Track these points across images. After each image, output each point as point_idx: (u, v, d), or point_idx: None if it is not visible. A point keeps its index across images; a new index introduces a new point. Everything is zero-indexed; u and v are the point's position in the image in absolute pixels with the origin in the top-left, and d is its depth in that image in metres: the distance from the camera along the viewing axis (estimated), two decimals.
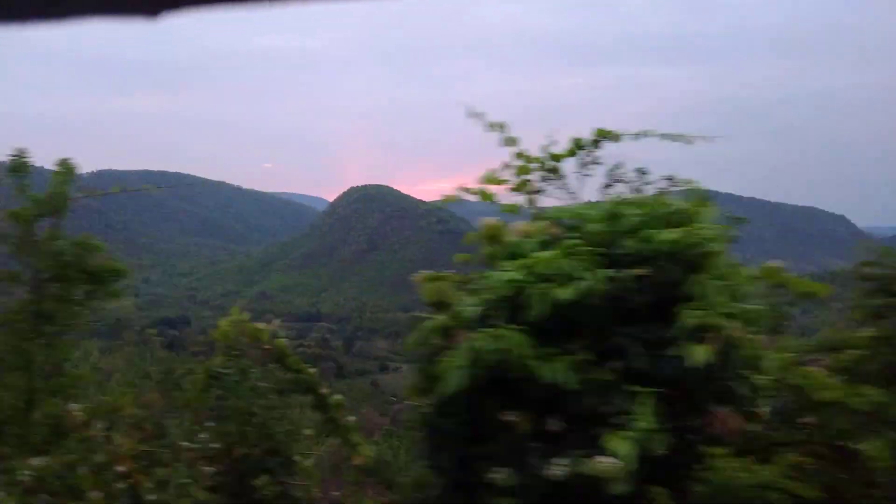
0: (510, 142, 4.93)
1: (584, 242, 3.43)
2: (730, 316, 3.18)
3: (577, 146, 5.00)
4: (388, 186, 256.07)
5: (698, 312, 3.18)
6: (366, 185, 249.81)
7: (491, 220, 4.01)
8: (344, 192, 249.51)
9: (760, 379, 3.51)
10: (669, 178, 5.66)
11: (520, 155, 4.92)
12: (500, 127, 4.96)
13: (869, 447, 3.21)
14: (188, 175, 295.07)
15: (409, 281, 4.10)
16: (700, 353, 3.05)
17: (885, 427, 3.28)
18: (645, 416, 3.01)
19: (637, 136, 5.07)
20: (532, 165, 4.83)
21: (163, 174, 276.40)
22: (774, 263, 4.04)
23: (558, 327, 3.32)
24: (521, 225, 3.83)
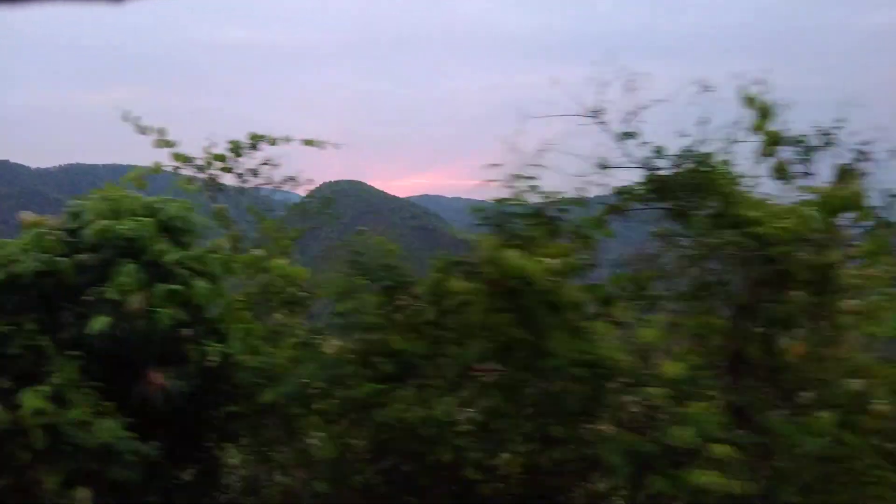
0: (164, 144, 5.72)
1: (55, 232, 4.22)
2: (132, 292, 3.99)
3: (235, 149, 5.78)
4: (360, 182, 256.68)
5: (103, 289, 4.03)
6: (338, 181, 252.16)
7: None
8: (315, 188, 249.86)
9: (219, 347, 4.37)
10: (292, 179, 6.50)
11: (177, 157, 5.71)
12: (158, 131, 5.73)
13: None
14: None
15: None
16: (97, 323, 3.91)
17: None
18: (62, 376, 3.86)
19: (275, 141, 5.86)
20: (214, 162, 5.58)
21: (133, 168, 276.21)
22: (258, 252, 4.90)
23: (12, 302, 4.12)
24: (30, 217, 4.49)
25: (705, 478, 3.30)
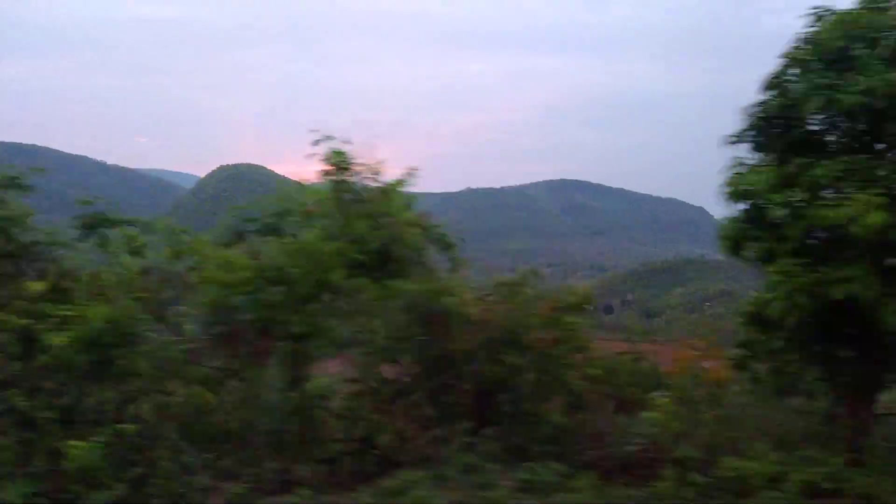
0: None
1: None
2: None
3: None
4: (261, 166, 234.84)
5: None
6: (237, 164, 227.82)
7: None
8: (213, 170, 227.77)
9: None
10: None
11: None
12: None
13: None
14: (47, 148, 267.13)
15: None
16: None
17: None
18: None
19: None
20: None
21: (18, 147, 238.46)
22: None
23: None
24: None
25: None
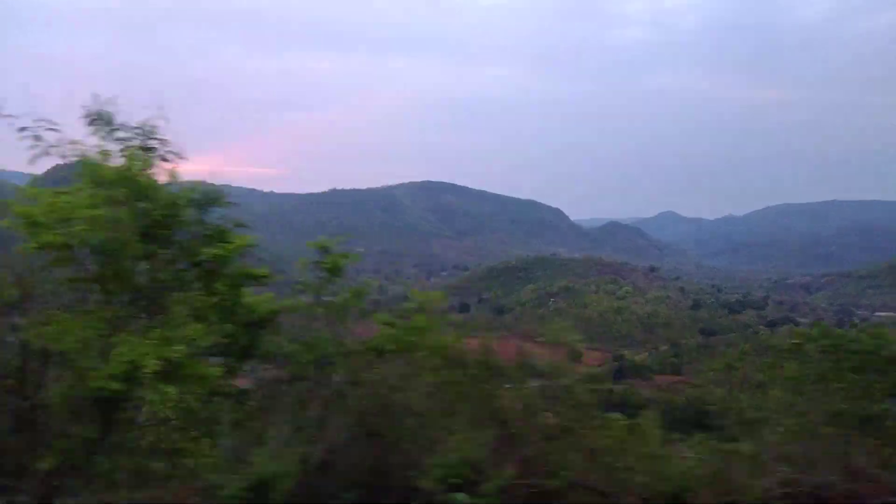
0: None
1: None
2: None
3: None
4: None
5: None
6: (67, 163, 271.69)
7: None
8: (49, 170, 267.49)
9: None
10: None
11: None
12: None
13: None
14: None
15: None
16: None
17: None
18: None
19: None
20: None
21: None
22: None
23: None
24: None
25: None
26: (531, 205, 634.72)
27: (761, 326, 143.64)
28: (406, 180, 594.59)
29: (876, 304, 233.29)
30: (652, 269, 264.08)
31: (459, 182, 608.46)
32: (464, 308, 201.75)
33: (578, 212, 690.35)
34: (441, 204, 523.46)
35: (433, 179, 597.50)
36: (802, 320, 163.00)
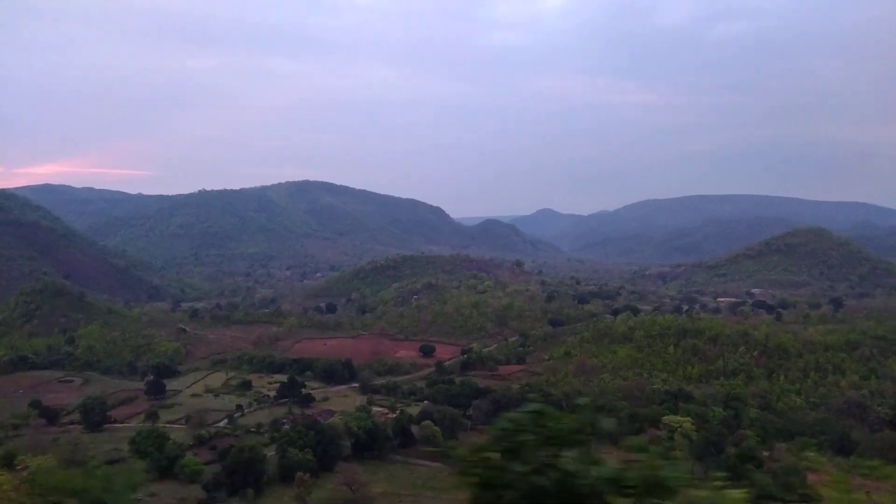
0: None
1: None
2: None
3: None
4: None
5: None
6: None
7: None
8: None
9: None
10: None
11: None
12: None
13: None
14: None
15: None
16: None
17: None
18: None
19: None
20: None
21: None
22: None
23: None
24: None
25: None
26: (412, 204, 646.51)
27: (606, 315, 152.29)
28: (283, 180, 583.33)
29: (719, 290, 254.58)
30: (517, 264, 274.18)
31: (340, 182, 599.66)
32: (331, 309, 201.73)
33: (459, 210, 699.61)
34: (319, 204, 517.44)
35: (311, 179, 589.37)
36: (645, 308, 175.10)
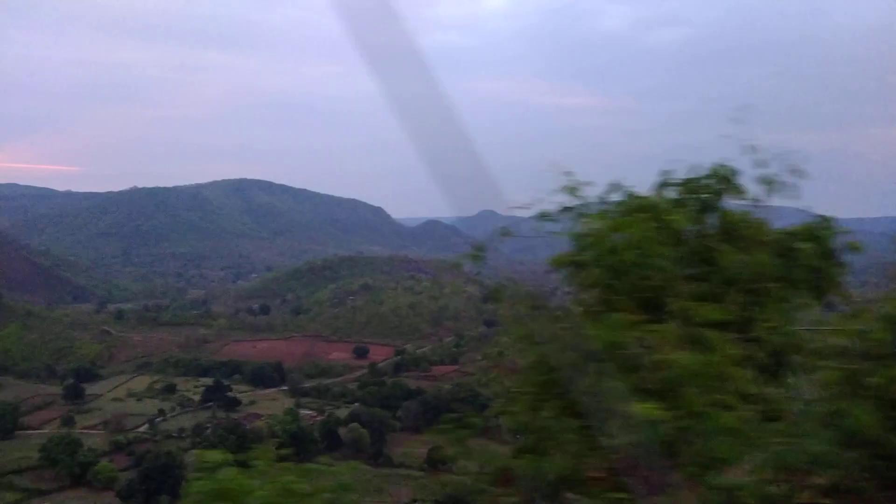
0: None
1: None
2: None
3: None
4: None
5: None
6: None
7: None
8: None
9: None
10: None
11: None
12: None
13: None
14: None
15: None
16: None
17: None
18: None
19: None
20: None
21: None
22: None
23: None
24: None
25: None
26: (353, 203, 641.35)
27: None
28: (219, 178, 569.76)
29: None
30: (455, 266, 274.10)
31: (279, 181, 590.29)
32: (264, 310, 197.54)
33: (402, 210, 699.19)
34: (256, 203, 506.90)
35: (249, 178, 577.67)
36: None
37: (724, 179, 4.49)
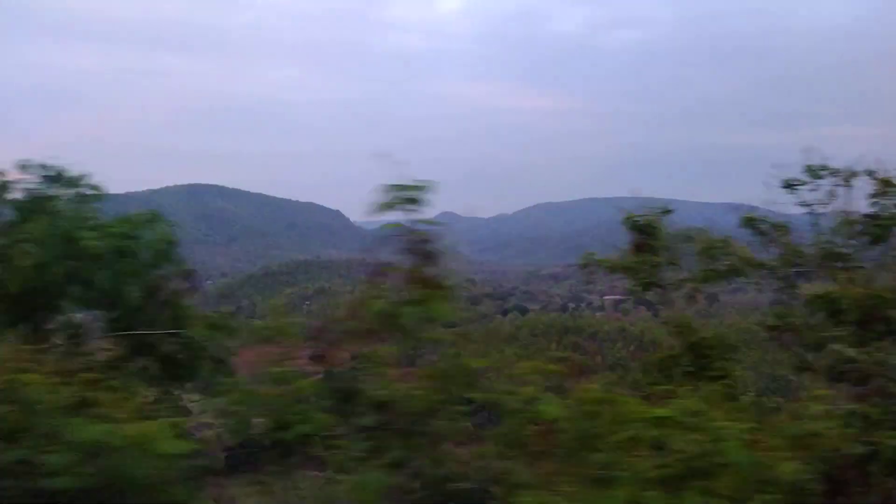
0: None
1: None
2: None
3: None
4: None
5: None
6: None
7: None
8: None
9: None
10: None
11: None
12: None
13: None
14: None
15: None
16: None
17: None
18: None
19: None
20: None
21: None
22: None
23: None
24: None
25: None
26: (310, 207, 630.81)
27: (497, 315, 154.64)
28: (172, 183, 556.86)
29: (606, 289, 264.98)
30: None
31: (233, 185, 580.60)
32: None
33: (362, 214, 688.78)
34: (211, 209, 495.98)
35: (203, 183, 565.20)
36: (534, 307, 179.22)
37: None
